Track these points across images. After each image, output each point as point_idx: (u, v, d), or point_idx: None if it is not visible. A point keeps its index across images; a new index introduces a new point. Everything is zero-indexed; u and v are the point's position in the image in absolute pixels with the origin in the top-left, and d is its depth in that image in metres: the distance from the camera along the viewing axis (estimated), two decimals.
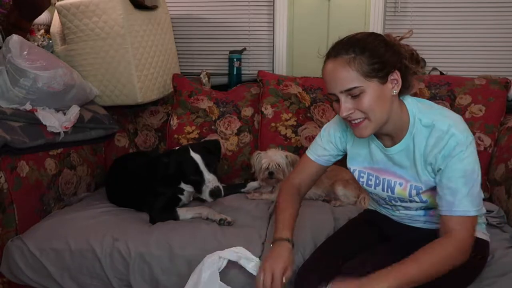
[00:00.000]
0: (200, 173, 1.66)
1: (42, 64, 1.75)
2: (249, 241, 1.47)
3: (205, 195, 1.67)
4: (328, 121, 1.38)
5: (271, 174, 1.83)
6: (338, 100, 1.08)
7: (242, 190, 2.00)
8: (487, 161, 1.92)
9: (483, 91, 2.01)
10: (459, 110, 1.99)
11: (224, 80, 2.59)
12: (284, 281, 1.13)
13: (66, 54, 2.12)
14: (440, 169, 1.08)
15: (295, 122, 2.12)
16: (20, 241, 1.55)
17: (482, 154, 1.91)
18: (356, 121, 1.09)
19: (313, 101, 2.16)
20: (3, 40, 1.82)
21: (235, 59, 2.52)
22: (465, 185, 1.05)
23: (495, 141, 1.94)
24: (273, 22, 2.50)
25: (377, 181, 1.24)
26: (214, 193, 1.66)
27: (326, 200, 1.86)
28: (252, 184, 2.00)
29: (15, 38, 1.71)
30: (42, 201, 1.74)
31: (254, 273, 1.22)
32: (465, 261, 1.05)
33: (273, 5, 2.47)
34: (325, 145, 1.31)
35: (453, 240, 1.04)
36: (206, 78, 2.52)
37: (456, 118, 1.10)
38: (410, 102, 1.14)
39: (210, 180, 1.66)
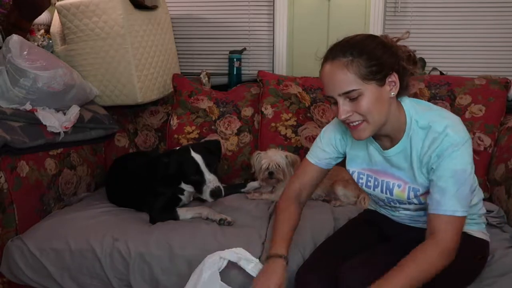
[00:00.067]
0: (201, 173, 1.66)
1: (42, 64, 1.75)
2: (249, 241, 1.47)
3: (206, 195, 1.67)
4: (328, 121, 1.38)
5: (271, 174, 1.83)
6: (336, 103, 1.08)
7: (242, 190, 2.00)
8: (487, 161, 1.91)
9: (483, 91, 2.00)
10: (459, 110, 1.99)
11: (224, 80, 2.59)
12: None
13: (66, 54, 2.12)
14: (433, 168, 1.07)
15: (295, 122, 2.12)
16: (20, 241, 1.55)
17: (482, 154, 1.91)
18: (354, 124, 1.08)
19: (313, 101, 2.16)
20: (3, 40, 1.82)
21: (235, 59, 2.52)
22: (454, 184, 1.04)
23: (495, 141, 1.93)
24: (273, 22, 2.50)
25: (376, 183, 1.23)
26: (215, 193, 1.66)
27: (326, 200, 1.86)
28: (252, 184, 2.00)
29: (15, 38, 1.71)
30: (42, 201, 1.74)
31: (254, 274, 1.22)
32: (453, 261, 1.04)
33: (273, 5, 2.48)
34: (325, 147, 1.30)
35: (435, 245, 1.03)
36: (206, 78, 2.51)
37: (455, 119, 1.10)
38: (407, 103, 1.14)
39: (211, 180, 1.66)
